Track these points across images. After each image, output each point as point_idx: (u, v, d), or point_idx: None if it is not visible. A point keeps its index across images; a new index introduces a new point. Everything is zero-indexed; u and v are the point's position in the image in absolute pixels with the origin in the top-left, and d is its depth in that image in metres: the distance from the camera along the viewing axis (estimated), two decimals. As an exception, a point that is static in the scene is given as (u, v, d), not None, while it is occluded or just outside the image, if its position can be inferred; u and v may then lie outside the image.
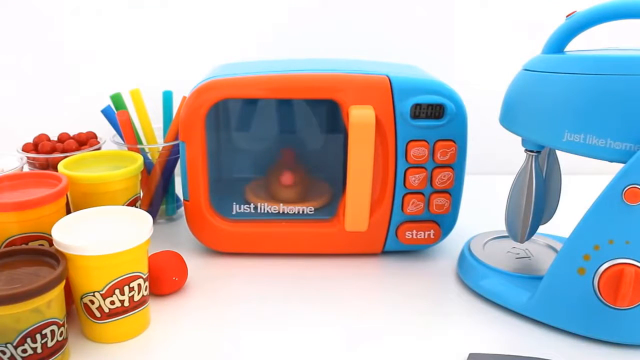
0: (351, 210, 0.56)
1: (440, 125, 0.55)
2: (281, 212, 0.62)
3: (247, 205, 0.63)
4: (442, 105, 0.54)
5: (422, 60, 0.68)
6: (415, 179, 0.57)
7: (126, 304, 0.45)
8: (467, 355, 0.44)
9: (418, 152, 0.56)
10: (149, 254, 0.50)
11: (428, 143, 0.55)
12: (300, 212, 0.62)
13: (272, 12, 0.85)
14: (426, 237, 0.59)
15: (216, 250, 0.61)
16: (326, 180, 0.68)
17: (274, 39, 0.86)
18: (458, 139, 0.56)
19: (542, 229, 0.53)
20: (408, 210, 0.58)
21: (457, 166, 0.57)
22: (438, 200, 0.58)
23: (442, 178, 0.57)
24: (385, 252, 0.62)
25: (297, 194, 0.65)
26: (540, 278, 0.48)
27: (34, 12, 0.84)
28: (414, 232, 0.59)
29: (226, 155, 0.72)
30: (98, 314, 0.45)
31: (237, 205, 0.63)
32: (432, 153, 0.56)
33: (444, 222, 0.59)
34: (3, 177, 0.51)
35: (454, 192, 0.58)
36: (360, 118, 0.53)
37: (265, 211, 0.63)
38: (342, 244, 0.60)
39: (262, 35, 0.86)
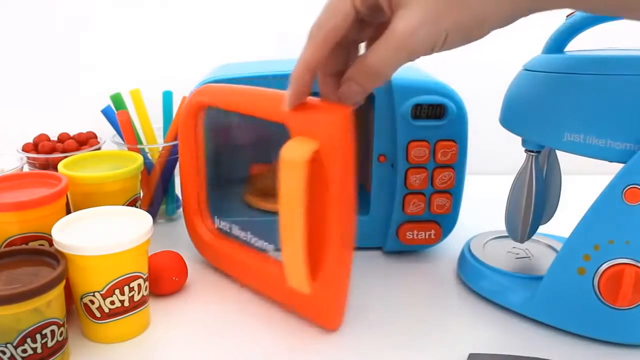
0: (287, 265, 0.44)
1: (441, 125, 0.55)
2: (248, 240, 0.55)
3: (225, 222, 0.58)
4: (442, 106, 0.54)
5: (422, 60, 0.68)
6: (416, 179, 0.57)
7: (126, 304, 0.45)
8: (467, 355, 0.44)
9: (419, 152, 0.55)
10: (149, 254, 0.50)
11: (429, 143, 0.55)
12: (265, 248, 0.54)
13: (272, 12, 0.85)
14: (427, 237, 0.59)
15: (202, 255, 0.59)
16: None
17: (274, 38, 0.86)
18: (459, 139, 0.56)
19: (542, 229, 0.53)
20: (409, 211, 0.58)
21: (457, 166, 0.57)
22: (439, 201, 0.58)
23: (442, 178, 0.57)
24: (385, 252, 0.62)
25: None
26: (540, 278, 0.48)
27: (34, 13, 0.84)
28: (415, 232, 0.59)
29: (226, 161, 0.72)
30: (98, 314, 0.45)
31: (219, 220, 0.58)
32: (433, 153, 0.56)
33: (445, 222, 0.59)
34: (3, 177, 0.51)
35: (454, 192, 0.58)
36: (291, 153, 0.40)
37: (235, 235, 0.56)
38: (295, 301, 0.49)
39: (262, 35, 0.86)
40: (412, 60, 0.37)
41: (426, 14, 0.34)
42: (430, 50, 0.36)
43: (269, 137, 0.73)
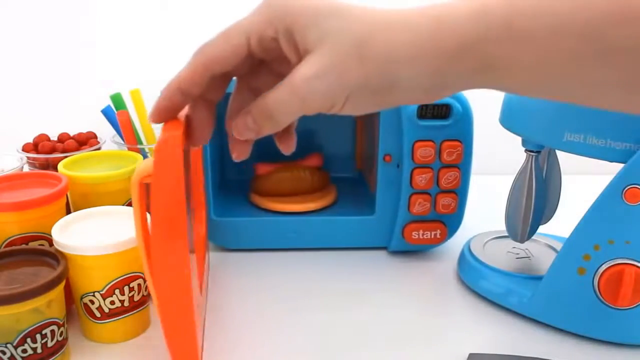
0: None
1: (447, 125, 0.55)
2: None
3: None
4: (448, 106, 0.54)
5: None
6: (421, 179, 0.57)
7: (126, 304, 0.45)
8: (467, 355, 0.44)
9: (425, 152, 0.56)
10: (149, 254, 0.50)
11: (434, 143, 0.55)
12: None
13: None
14: (432, 237, 0.59)
15: None
16: (332, 180, 0.68)
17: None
18: (464, 139, 0.56)
19: (542, 229, 0.53)
20: (414, 210, 0.58)
21: (463, 166, 0.57)
22: (444, 200, 0.58)
23: (448, 178, 0.57)
24: (389, 252, 0.62)
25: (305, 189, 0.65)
26: (540, 278, 0.48)
27: (34, 13, 0.84)
28: (421, 232, 0.59)
29: (229, 156, 0.72)
30: (98, 314, 0.45)
31: None
32: (439, 153, 0.56)
33: (450, 222, 0.59)
34: (3, 177, 0.51)
35: (460, 192, 0.58)
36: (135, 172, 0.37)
37: None
38: None
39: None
40: (308, 114, 0.32)
41: (329, 63, 0.30)
42: (329, 107, 0.31)
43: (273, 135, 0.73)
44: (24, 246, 0.46)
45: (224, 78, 0.35)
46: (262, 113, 0.33)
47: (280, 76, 0.33)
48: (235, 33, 0.33)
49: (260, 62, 0.34)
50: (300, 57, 0.31)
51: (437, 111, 0.55)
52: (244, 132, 0.34)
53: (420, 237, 0.59)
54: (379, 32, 0.30)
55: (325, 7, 0.30)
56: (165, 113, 0.35)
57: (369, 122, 0.66)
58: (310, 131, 0.73)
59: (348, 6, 0.31)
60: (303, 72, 0.30)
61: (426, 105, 0.54)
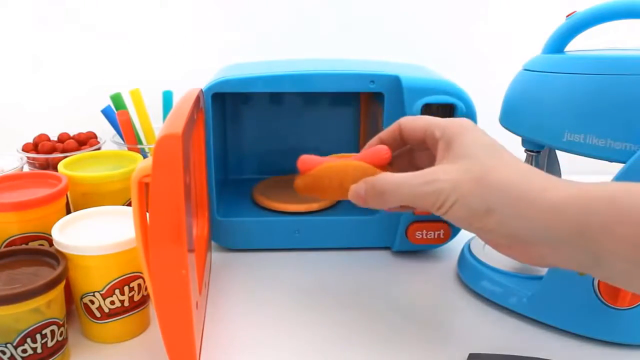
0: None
1: None
2: None
3: None
4: (452, 105, 0.54)
5: (419, 61, 0.68)
6: None
7: (126, 304, 0.45)
8: (467, 355, 0.44)
9: (429, 151, 0.55)
10: (149, 254, 0.50)
11: (439, 142, 0.55)
12: None
13: (275, 13, 0.85)
14: (436, 237, 0.59)
15: None
16: None
17: (277, 39, 0.86)
18: None
19: (542, 229, 0.53)
20: (418, 210, 0.58)
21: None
22: None
23: None
24: (392, 252, 0.62)
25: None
26: (540, 278, 0.48)
27: (34, 12, 0.84)
28: (424, 232, 0.59)
29: (233, 156, 0.72)
30: (98, 314, 0.45)
31: None
32: None
33: (454, 222, 0.59)
34: (3, 177, 0.51)
35: None
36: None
37: None
38: None
39: (264, 36, 0.86)
40: (414, 206, 0.41)
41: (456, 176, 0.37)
42: (433, 205, 0.38)
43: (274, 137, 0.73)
44: (24, 246, 0.46)
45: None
46: (375, 189, 0.39)
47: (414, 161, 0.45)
48: (420, 120, 0.43)
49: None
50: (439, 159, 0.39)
51: (441, 111, 0.55)
52: (354, 196, 0.41)
53: (424, 237, 0.59)
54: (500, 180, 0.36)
55: (486, 140, 0.39)
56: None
57: (373, 122, 0.66)
58: (314, 132, 0.73)
59: (501, 148, 0.38)
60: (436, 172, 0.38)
61: (430, 105, 0.54)
